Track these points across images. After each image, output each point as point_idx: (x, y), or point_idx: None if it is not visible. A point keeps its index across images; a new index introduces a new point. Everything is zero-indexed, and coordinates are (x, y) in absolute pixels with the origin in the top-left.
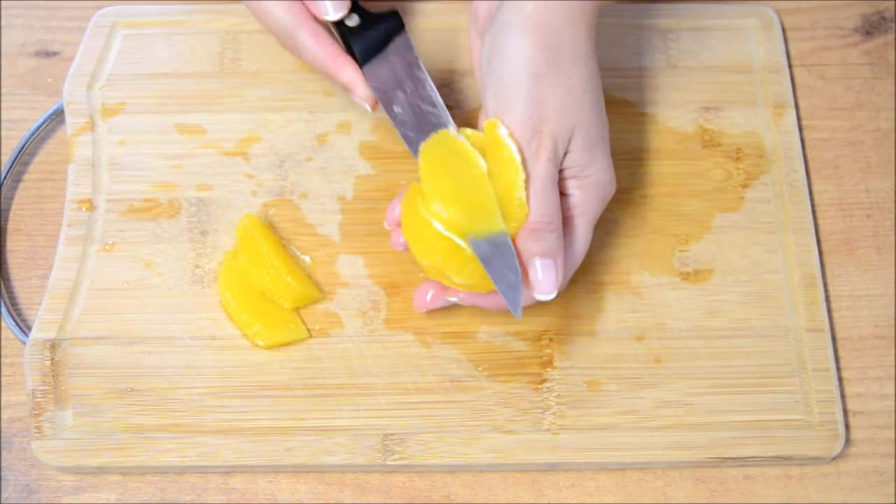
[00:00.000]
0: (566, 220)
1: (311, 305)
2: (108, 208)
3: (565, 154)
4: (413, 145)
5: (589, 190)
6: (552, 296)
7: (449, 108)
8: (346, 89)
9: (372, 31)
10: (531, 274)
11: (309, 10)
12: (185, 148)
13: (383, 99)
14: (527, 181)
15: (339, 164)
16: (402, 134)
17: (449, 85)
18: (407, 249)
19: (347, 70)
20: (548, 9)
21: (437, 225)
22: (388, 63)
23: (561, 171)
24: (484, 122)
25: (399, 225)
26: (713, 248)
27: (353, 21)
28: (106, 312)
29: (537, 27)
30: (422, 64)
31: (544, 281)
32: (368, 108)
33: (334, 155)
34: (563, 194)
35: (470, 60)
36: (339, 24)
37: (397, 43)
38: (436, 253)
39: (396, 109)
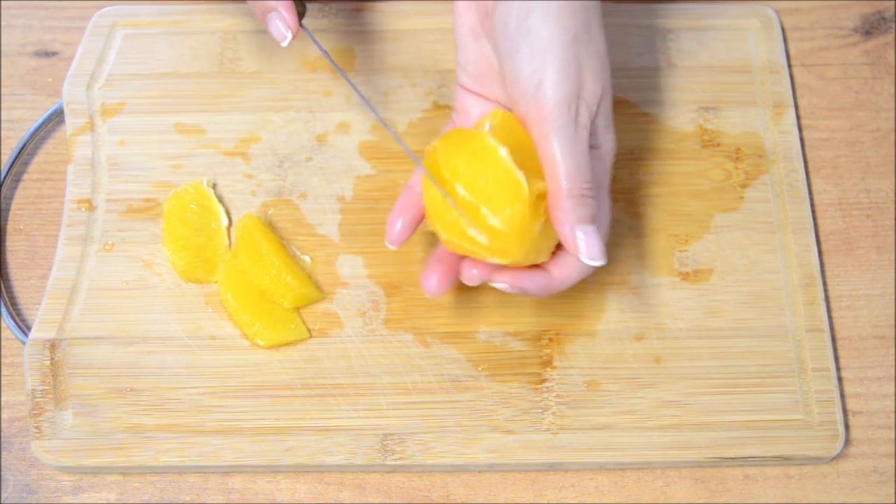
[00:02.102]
0: None
1: (310, 305)
2: (108, 208)
3: (593, 120)
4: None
5: (604, 159)
6: (603, 261)
7: (447, 107)
8: (269, 9)
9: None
10: (577, 243)
11: None
12: (185, 148)
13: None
14: (560, 147)
15: (338, 164)
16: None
17: (448, 84)
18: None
19: None
20: None
21: (505, 154)
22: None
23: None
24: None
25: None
26: (713, 248)
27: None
28: (105, 312)
29: None
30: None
31: (593, 246)
32: (288, 36)
33: (334, 155)
34: None
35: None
36: None
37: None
38: (491, 184)
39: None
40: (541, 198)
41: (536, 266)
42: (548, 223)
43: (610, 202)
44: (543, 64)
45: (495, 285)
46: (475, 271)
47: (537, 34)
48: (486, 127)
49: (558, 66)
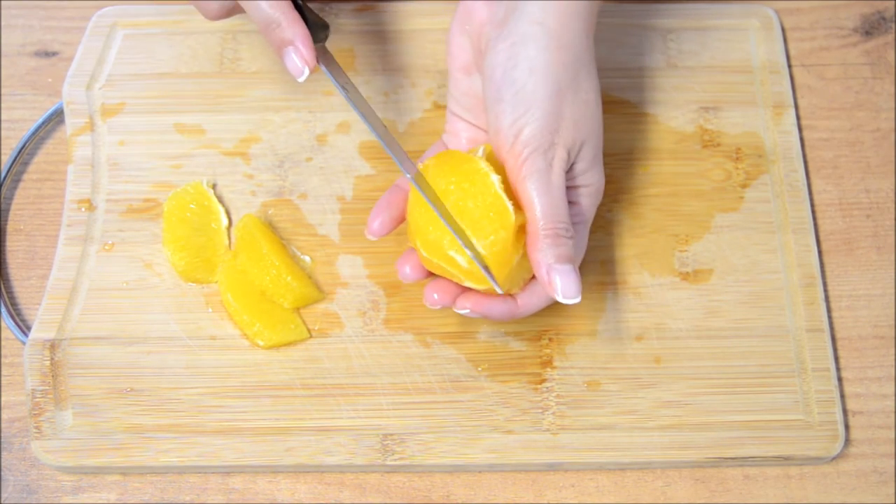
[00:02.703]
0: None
1: (310, 305)
2: (108, 208)
3: (573, 164)
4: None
5: (592, 197)
6: (578, 299)
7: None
8: (285, 44)
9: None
10: (553, 281)
11: None
12: (185, 148)
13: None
14: (536, 190)
15: (338, 164)
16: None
17: (447, 85)
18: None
19: (300, 26)
20: (569, 23)
21: (497, 181)
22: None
23: (568, 181)
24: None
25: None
26: (713, 248)
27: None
28: (105, 312)
29: (560, 42)
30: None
31: (567, 285)
32: (306, 71)
33: (334, 155)
34: (570, 203)
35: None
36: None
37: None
38: (479, 208)
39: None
40: (522, 229)
41: (505, 294)
42: (525, 256)
43: (588, 235)
44: (524, 116)
45: (458, 311)
46: (436, 296)
47: (521, 86)
48: (480, 152)
49: (538, 117)
